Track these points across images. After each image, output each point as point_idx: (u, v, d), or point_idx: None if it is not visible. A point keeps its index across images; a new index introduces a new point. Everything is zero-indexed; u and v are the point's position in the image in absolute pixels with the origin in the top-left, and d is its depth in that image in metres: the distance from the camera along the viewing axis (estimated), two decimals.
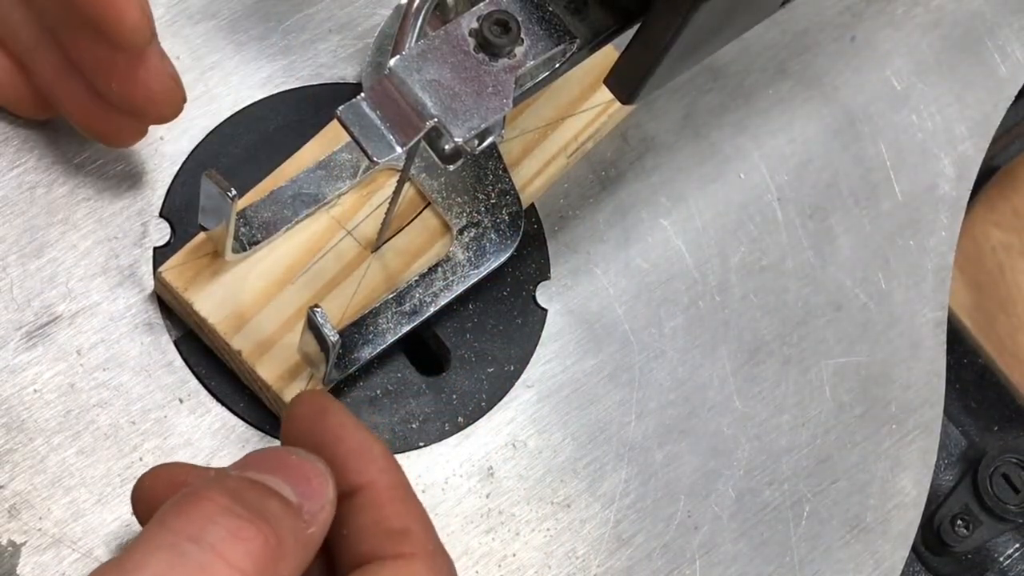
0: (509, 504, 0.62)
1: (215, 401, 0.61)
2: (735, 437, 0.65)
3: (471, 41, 0.53)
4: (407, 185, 0.63)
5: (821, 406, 0.66)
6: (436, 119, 0.52)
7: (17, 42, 0.60)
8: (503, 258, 0.63)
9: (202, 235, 0.60)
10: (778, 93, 0.71)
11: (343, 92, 0.66)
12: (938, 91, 0.73)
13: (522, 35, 0.53)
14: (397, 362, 0.63)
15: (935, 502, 0.71)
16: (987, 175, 0.87)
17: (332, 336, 0.55)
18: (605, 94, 0.60)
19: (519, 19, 0.53)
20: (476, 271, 0.63)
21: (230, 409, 0.61)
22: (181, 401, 0.61)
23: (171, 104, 0.59)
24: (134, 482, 0.54)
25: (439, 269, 0.62)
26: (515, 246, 0.63)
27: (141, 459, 0.60)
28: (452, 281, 0.62)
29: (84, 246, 0.62)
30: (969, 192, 0.71)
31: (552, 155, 0.66)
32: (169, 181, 0.64)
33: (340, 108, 0.52)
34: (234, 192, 0.55)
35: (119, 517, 0.59)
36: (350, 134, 0.52)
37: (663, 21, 0.51)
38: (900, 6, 0.74)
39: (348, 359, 0.61)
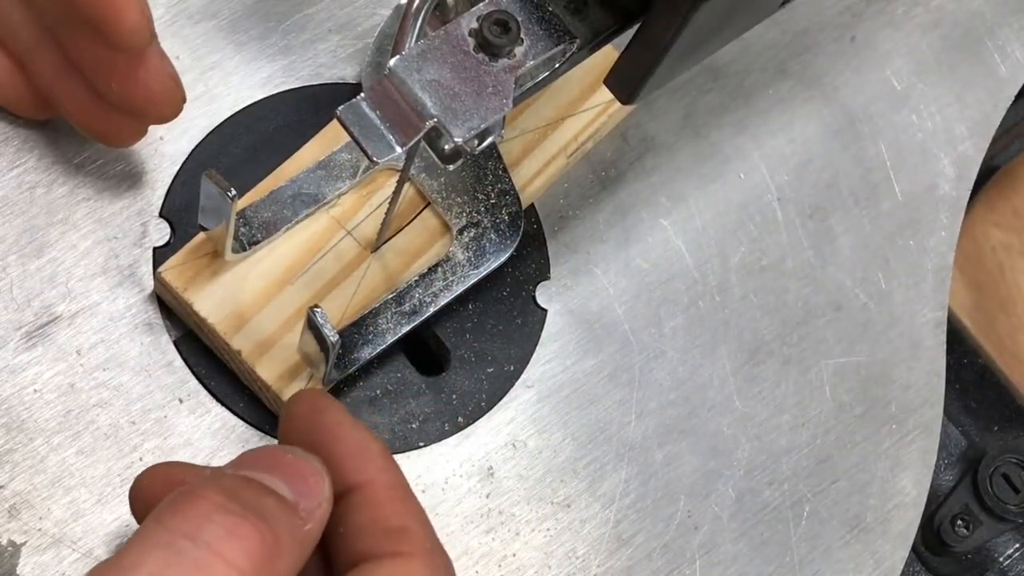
0: (509, 504, 0.62)
1: (215, 401, 0.61)
2: (735, 437, 0.65)
3: (471, 41, 0.53)
4: (407, 185, 0.63)
5: (821, 406, 0.66)
6: (436, 119, 0.52)
7: (17, 42, 0.60)
8: (503, 258, 0.63)
9: (202, 235, 0.60)
10: (778, 93, 0.71)
11: (343, 92, 0.66)
12: (938, 91, 0.73)
13: (522, 35, 0.53)
14: (397, 362, 0.63)
15: (935, 502, 0.71)
16: (987, 175, 0.87)
17: (332, 336, 0.55)
18: (605, 94, 0.60)
19: (519, 19, 0.53)
20: (476, 271, 0.63)
21: (230, 409, 0.61)
22: (181, 401, 0.61)
23: (171, 104, 0.59)
24: None
25: (439, 269, 0.62)
26: (515, 246, 0.63)
27: (141, 459, 0.60)
28: (452, 281, 0.62)
29: (84, 246, 0.62)
30: (969, 192, 0.71)
31: (552, 155, 0.66)
32: (169, 181, 0.64)
33: (340, 108, 0.52)
34: (234, 192, 0.55)
35: (119, 517, 0.59)
36: (350, 134, 0.52)
37: (663, 21, 0.51)
38: (900, 6, 0.74)
39: (348, 359, 0.61)
